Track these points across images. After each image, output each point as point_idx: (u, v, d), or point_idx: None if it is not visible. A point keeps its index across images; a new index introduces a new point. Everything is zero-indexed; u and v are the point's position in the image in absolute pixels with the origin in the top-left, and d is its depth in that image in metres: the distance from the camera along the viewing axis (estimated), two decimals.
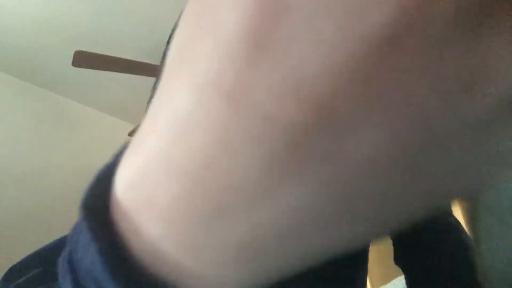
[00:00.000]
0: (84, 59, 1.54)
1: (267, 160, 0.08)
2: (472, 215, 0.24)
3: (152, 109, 0.11)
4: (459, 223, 0.56)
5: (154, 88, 0.46)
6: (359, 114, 0.08)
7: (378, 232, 0.10)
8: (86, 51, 1.52)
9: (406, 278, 0.54)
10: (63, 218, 1.89)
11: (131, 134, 1.95)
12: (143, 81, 1.89)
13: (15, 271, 0.31)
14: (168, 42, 0.51)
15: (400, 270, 0.55)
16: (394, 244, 0.58)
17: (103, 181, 0.14)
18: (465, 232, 0.56)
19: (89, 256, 0.13)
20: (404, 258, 0.55)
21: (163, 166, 0.10)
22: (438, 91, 0.07)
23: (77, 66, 1.56)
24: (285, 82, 0.08)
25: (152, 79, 1.14)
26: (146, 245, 0.12)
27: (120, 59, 1.60)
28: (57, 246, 0.34)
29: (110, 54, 1.58)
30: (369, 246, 0.46)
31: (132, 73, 1.66)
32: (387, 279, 1.29)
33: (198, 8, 0.09)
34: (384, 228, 0.10)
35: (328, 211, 0.09)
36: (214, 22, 0.08)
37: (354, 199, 0.09)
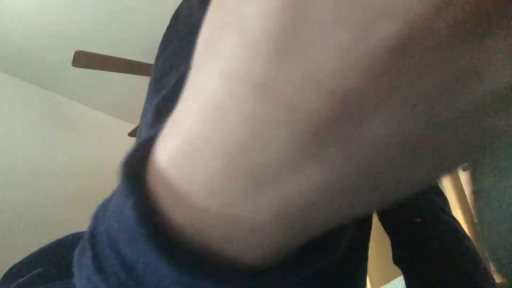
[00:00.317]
0: (84, 59, 1.54)
1: (294, 143, 0.10)
2: (475, 177, 0.25)
3: (186, 95, 0.12)
4: (458, 223, 0.57)
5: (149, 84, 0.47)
6: (372, 105, 0.09)
7: (389, 199, 0.12)
8: (86, 51, 1.52)
9: (405, 278, 0.54)
10: (63, 218, 1.89)
11: (131, 134, 1.95)
12: (143, 81, 1.89)
13: (14, 272, 0.31)
14: None
15: (400, 270, 0.56)
16: (392, 245, 0.58)
17: (142, 151, 0.15)
18: (464, 231, 0.56)
19: (123, 217, 0.14)
20: (403, 258, 0.56)
21: (201, 145, 0.11)
22: (439, 86, 0.09)
23: (77, 66, 1.56)
24: (308, 77, 0.09)
25: None
26: (187, 216, 0.13)
27: (120, 59, 1.60)
28: (56, 247, 0.34)
29: (110, 54, 1.58)
30: (369, 240, 0.46)
31: (132, 73, 1.67)
32: (387, 279, 1.29)
33: (223, 4, 0.10)
34: (394, 195, 0.12)
35: (348, 183, 0.11)
36: (241, 19, 0.10)
37: (370, 173, 0.11)
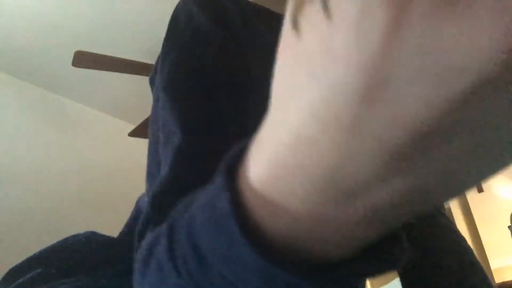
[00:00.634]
0: (84, 59, 1.54)
1: (382, 166, 0.12)
2: None
3: (271, 125, 0.15)
4: (454, 225, 0.57)
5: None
6: (446, 137, 0.11)
7: (453, 196, 0.14)
8: (86, 51, 1.52)
9: (400, 279, 0.54)
10: (63, 217, 1.89)
11: (131, 134, 1.95)
12: (143, 81, 1.89)
13: (15, 272, 0.31)
14: None
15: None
16: None
17: (236, 157, 0.17)
18: (459, 232, 0.56)
19: (213, 208, 0.16)
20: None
21: (294, 168, 0.13)
22: (496, 119, 0.11)
23: (77, 66, 1.56)
24: (394, 120, 0.11)
25: None
26: (277, 220, 0.15)
27: (120, 59, 1.60)
28: (57, 249, 0.34)
29: (110, 54, 1.58)
30: None
31: (132, 73, 1.67)
32: (387, 279, 1.29)
33: (305, 56, 0.12)
34: (458, 193, 0.14)
35: (427, 187, 0.13)
36: (328, 74, 0.11)
37: (446, 178, 0.13)
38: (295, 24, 0.11)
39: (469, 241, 0.50)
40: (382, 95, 0.11)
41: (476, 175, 0.13)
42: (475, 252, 0.56)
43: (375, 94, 0.11)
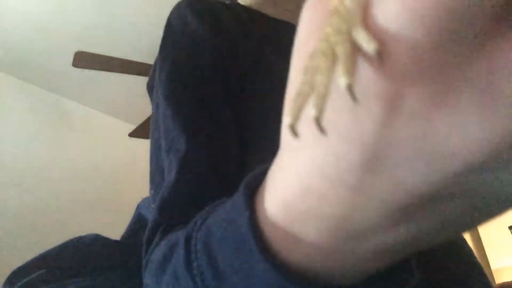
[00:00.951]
0: (84, 60, 1.54)
1: (387, 219, 0.13)
2: None
3: (282, 169, 0.16)
4: None
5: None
6: (443, 200, 0.13)
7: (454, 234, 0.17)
8: (86, 52, 1.53)
9: None
10: (63, 217, 1.89)
11: (131, 134, 1.95)
12: (143, 81, 1.89)
13: (19, 273, 0.31)
14: None
15: None
16: None
17: (255, 182, 0.19)
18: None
19: (233, 224, 0.17)
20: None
21: (303, 211, 0.15)
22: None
23: (78, 67, 1.56)
24: (395, 185, 0.12)
25: None
26: (294, 252, 0.16)
27: (120, 59, 1.60)
28: (61, 250, 0.34)
29: (110, 55, 1.58)
30: None
31: (132, 73, 1.67)
32: None
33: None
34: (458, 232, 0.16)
35: (430, 231, 0.14)
36: (332, 150, 0.13)
37: (448, 222, 0.14)
38: (294, 133, 0.12)
39: (469, 241, 0.50)
40: (382, 167, 0.12)
41: (478, 220, 0.14)
42: (475, 252, 0.56)
43: (376, 166, 0.12)
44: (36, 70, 1.99)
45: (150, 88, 0.46)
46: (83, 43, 1.75)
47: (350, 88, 0.11)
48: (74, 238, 0.37)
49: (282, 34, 0.47)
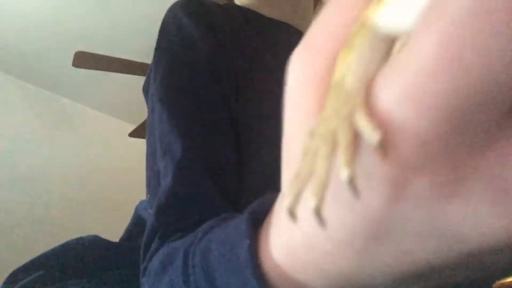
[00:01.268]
0: (84, 60, 1.54)
1: (391, 281, 0.13)
2: None
3: (283, 229, 0.15)
4: None
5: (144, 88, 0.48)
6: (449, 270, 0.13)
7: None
8: (86, 52, 1.52)
9: None
10: (62, 217, 1.89)
11: (131, 134, 1.95)
12: (143, 82, 1.89)
13: (18, 274, 0.31)
14: None
15: None
16: None
17: (259, 213, 0.19)
18: None
19: (232, 249, 0.18)
20: None
21: (308, 266, 0.15)
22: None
23: (78, 67, 1.56)
24: (399, 256, 0.12)
25: None
26: (286, 279, 0.16)
27: (120, 59, 1.60)
28: (60, 252, 0.34)
29: (110, 55, 1.58)
30: None
31: (132, 73, 1.66)
32: None
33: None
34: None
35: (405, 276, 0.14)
36: (337, 224, 0.12)
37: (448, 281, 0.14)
38: (293, 217, 0.11)
39: None
40: (391, 238, 0.12)
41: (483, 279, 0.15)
42: None
43: (384, 236, 0.12)
44: (36, 70, 1.99)
45: (146, 91, 0.46)
46: (83, 43, 1.75)
47: (351, 180, 0.10)
48: (73, 239, 0.37)
49: (278, 34, 0.47)
